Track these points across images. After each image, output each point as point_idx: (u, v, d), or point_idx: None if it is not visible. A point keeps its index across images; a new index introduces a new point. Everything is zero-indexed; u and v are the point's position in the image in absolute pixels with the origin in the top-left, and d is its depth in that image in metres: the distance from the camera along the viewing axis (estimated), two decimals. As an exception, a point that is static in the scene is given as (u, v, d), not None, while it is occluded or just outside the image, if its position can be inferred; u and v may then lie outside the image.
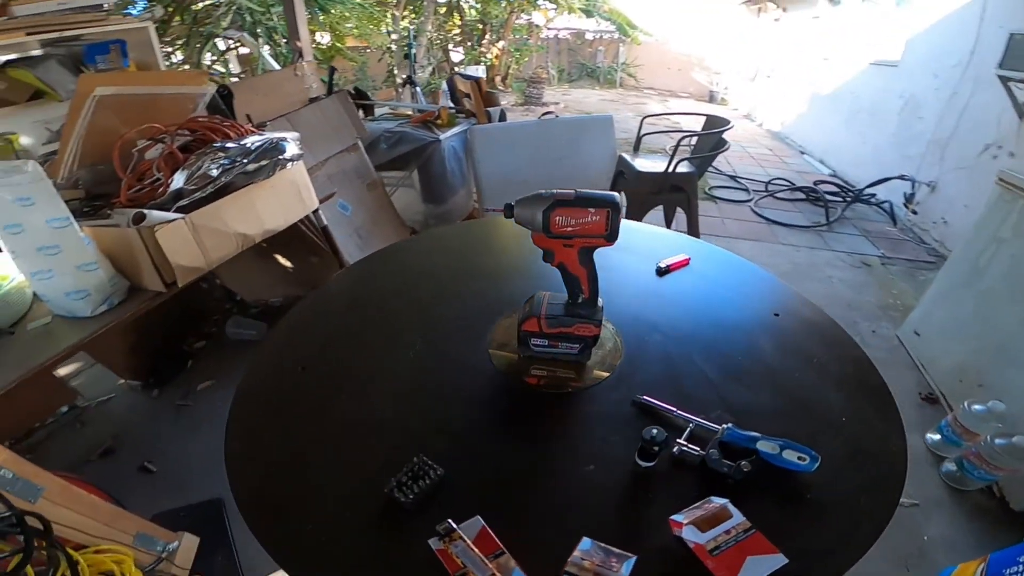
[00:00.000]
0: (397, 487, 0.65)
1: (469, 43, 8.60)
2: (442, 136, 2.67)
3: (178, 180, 1.37)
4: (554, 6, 8.74)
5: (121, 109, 1.35)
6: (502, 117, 3.06)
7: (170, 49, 4.08)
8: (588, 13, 8.80)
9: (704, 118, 2.86)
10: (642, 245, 1.27)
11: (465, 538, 0.59)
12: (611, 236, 0.78)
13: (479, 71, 6.96)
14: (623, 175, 2.72)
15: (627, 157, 2.72)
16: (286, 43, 3.79)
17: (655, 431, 0.67)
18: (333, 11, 5.27)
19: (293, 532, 0.63)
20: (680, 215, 2.76)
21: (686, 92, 10.16)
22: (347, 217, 2.46)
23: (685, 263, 1.18)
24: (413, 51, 4.56)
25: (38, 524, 0.78)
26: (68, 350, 1.20)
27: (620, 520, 0.66)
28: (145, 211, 1.26)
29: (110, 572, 0.91)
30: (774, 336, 0.97)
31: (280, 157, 1.54)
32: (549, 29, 10.27)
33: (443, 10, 8.01)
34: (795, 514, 0.66)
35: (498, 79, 8.49)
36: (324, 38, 6.03)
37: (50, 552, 0.80)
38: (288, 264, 2.37)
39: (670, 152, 2.47)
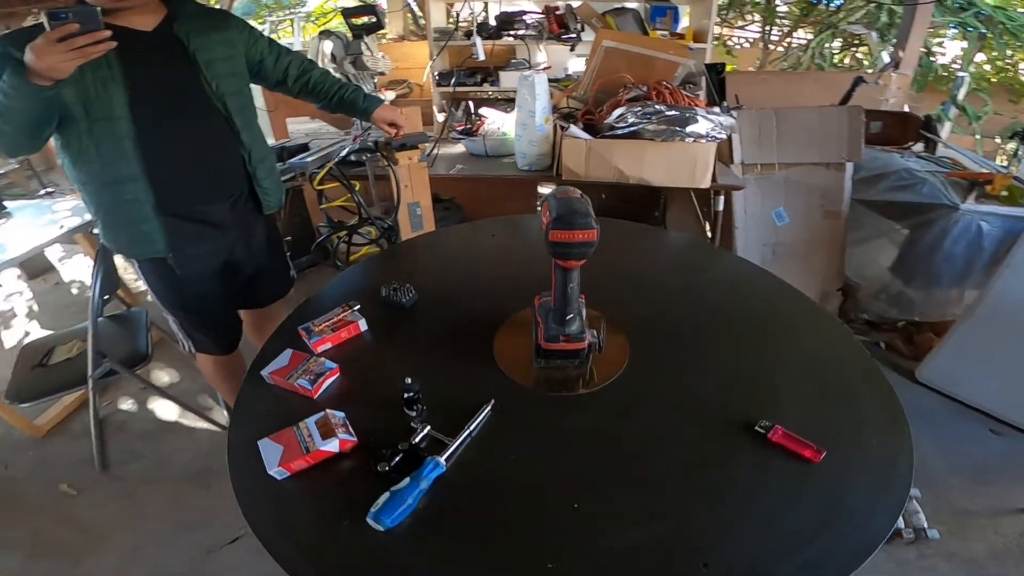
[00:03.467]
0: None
1: None
2: (966, 205, 1.93)
3: (612, 116, 1.91)
4: None
5: (622, 59, 1.94)
6: None
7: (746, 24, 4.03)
8: None
9: None
10: None
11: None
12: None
13: None
14: None
15: None
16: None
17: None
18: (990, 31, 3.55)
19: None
20: None
21: None
22: (776, 227, 2.36)
23: None
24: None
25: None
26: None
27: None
28: (571, 126, 1.90)
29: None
30: None
31: (678, 129, 1.78)
32: None
33: None
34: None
35: None
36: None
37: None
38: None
39: None
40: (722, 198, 2.10)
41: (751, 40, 5.13)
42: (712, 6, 2.50)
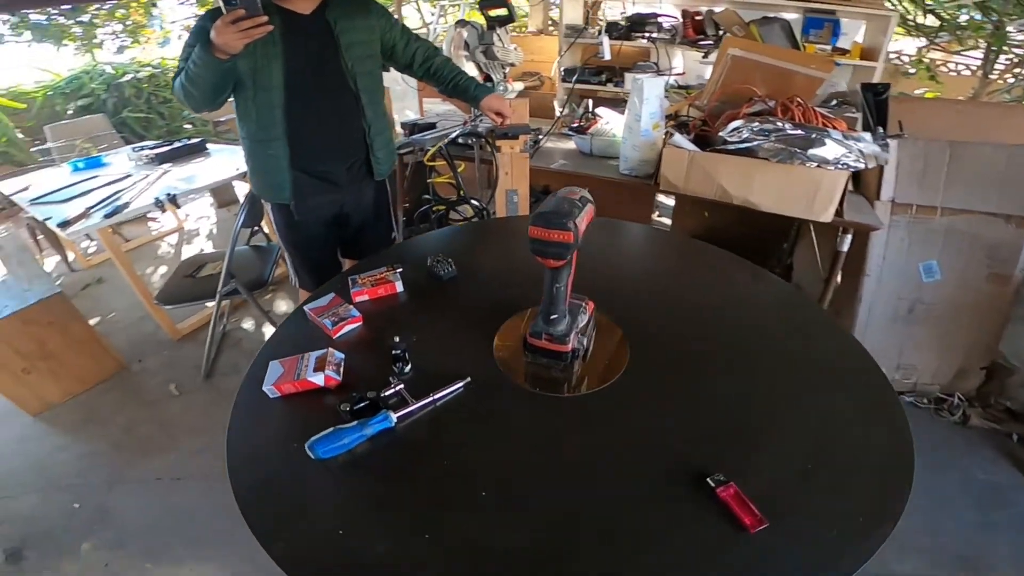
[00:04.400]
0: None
1: None
2: None
3: (726, 130, 1.75)
4: None
5: (754, 70, 1.75)
6: None
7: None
8: None
9: None
10: None
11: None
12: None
13: None
14: None
15: None
16: None
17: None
18: None
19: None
20: None
21: None
22: (921, 281, 1.96)
23: None
24: None
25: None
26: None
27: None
28: (676, 135, 1.78)
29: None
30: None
31: (799, 151, 1.57)
32: None
33: None
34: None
35: None
36: None
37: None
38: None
39: None
40: (850, 237, 1.81)
41: (972, 68, 4.22)
42: (890, 23, 2.12)
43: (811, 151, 1.58)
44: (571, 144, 2.40)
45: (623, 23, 2.43)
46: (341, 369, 0.89)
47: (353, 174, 1.55)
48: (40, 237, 3.17)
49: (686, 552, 0.61)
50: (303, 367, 0.88)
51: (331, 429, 0.73)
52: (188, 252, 3.27)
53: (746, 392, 0.84)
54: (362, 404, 0.79)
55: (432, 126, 2.59)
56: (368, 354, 0.96)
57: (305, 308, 1.08)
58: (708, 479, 0.64)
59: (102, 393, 2.16)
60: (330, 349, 0.92)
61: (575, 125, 2.36)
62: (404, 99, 4.18)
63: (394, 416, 0.77)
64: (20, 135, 4.08)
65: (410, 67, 1.62)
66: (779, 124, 1.60)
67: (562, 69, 2.60)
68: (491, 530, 0.65)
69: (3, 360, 1.94)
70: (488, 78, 2.23)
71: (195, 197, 3.80)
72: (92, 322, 2.49)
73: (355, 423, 0.74)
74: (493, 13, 2.21)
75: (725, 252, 1.30)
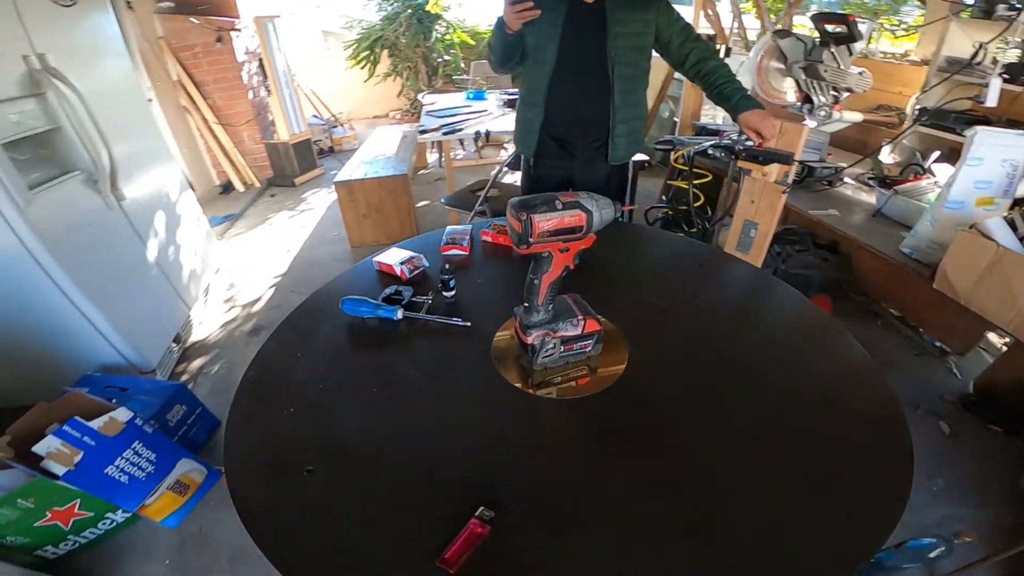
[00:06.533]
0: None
1: None
2: None
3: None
4: None
5: None
6: None
7: None
8: None
9: None
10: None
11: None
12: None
13: None
14: None
15: None
16: None
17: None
18: None
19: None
20: None
21: None
22: None
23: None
24: None
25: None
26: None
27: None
28: (996, 218, 1.22)
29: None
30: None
31: None
32: None
33: None
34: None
35: None
36: None
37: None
38: None
39: None
40: None
41: None
42: None
43: None
44: (871, 196, 1.90)
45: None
46: (415, 272, 1.15)
47: (588, 150, 1.70)
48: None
49: None
50: (399, 261, 1.16)
51: (362, 297, 1.00)
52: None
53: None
54: (392, 294, 1.03)
55: (716, 133, 2.44)
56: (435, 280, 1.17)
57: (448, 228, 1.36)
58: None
59: (396, 248, 3.15)
60: (421, 255, 1.17)
61: (884, 176, 1.84)
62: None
63: (400, 313, 0.98)
64: (462, 65, 5.70)
65: (681, 66, 1.62)
66: None
67: (918, 107, 1.97)
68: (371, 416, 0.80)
69: (358, 202, 3.02)
70: (807, 99, 1.95)
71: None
72: (419, 204, 3.52)
73: (378, 302, 0.99)
74: (831, 28, 1.87)
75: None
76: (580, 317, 0.83)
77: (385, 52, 5.58)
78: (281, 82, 4.14)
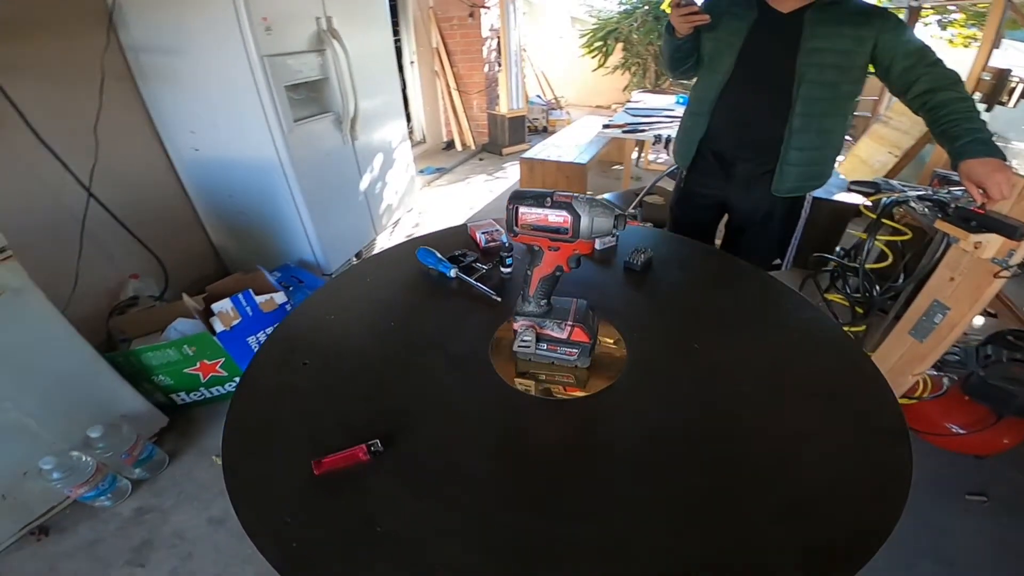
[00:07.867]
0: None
1: None
2: None
3: None
4: None
5: None
6: None
7: None
8: None
9: None
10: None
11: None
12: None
13: None
14: None
15: None
16: None
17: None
18: None
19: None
20: None
21: None
22: None
23: None
24: None
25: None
26: None
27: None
28: None
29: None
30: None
31: None
32: None
33: None
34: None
35: None
36: None
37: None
38: None
39: None
40: None
41: None
42: None
43: None
44: None
45: None
46: (490, 243, 1.28)
47: (751, 175, 1.53)
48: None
49: None
50: (485, 228, 1.31)
51: (436, 253, 1.18)
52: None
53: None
54: (458, 254, 1.20)
55: (958, 184, 1.91)
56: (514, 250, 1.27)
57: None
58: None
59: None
60: (503, 231, 1.30)
61: None
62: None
63: (453, 272, 1.14)
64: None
65: (903, 94, 1.31)
66: None
67: None
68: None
69: (536, 179, 3.24)
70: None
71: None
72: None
73: (440, 257, 1.17)
74: None
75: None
76: (569, 323, 0.85)
77: (620, 45, 5.65)
78: (512, 60, 4.60)
